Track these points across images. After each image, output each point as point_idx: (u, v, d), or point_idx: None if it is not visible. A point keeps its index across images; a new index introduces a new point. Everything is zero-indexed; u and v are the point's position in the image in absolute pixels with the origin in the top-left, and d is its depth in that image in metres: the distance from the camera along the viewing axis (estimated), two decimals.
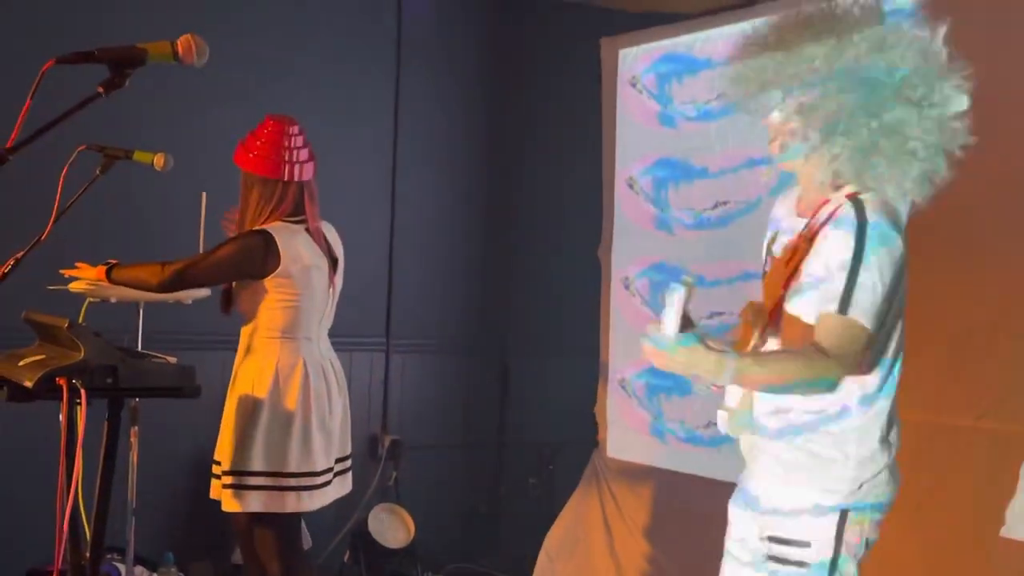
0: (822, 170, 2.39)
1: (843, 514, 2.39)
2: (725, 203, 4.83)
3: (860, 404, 2.41)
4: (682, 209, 5.06)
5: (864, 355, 2.33)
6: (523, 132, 6.08)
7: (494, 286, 6.01)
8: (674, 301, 2.23)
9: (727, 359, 2.22)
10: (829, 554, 2.38)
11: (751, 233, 4.51)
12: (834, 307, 2.29)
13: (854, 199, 2.35)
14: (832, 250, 2.33)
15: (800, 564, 2.40)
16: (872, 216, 2.31)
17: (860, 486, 2.40)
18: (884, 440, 2.44)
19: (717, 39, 4.95)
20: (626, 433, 5.27)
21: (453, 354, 5.89)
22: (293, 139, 3.57)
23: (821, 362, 2.28)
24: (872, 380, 2.41)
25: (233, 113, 4.08)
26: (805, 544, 2.40)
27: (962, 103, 2.35)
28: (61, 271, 3.59)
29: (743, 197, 4.68)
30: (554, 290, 5.91)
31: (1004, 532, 3.60)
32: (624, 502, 5.13)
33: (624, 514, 5.10)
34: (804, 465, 2.43)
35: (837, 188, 2.41)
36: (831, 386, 2.35)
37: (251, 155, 3.55)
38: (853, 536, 2.40)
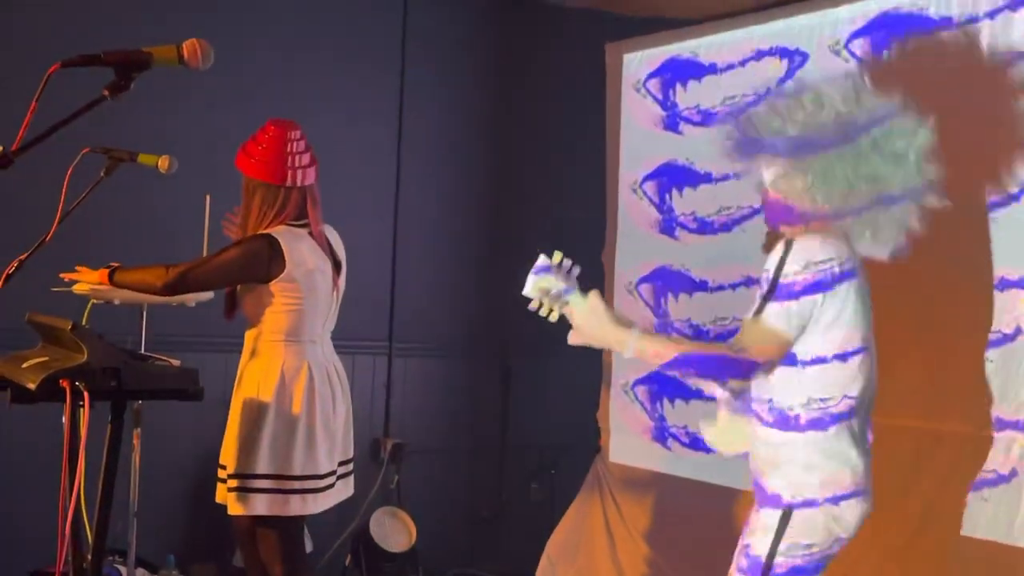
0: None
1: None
2: (728, 208, 4.83)
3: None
4: (685, 214, 5.06)
5: (769, 352, 2.64)
6: (527, 136, 6.08)
7: (497, 290, 6.00)
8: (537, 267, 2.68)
9: (631, 333, 2.64)
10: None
11: (754, 238, 4.55)
12: (751, 313, 2.65)
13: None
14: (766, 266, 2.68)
15: None
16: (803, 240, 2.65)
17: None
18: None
19: (721, 45, 4.97)
20: (628, 438, 5.27)
21: (456, 358, 5.89)
22: (295, 144, 3.57)
23: (723, 350, 2.68)
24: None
25: (237, 116, 4.08)
26: None
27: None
28: (61, 275, 3.59)
29: (746, 203, 4.68)
30: None
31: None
32: (626, 507, 5.13)
33: (626, 519, 5.09)
34: None
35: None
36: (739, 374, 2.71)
37: (253, 160, 3.55)
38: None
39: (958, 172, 3.82)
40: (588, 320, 2.68)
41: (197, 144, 4.53)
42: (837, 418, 2.64)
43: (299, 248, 3.53)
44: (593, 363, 5.45)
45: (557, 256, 2.69)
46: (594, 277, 5.45)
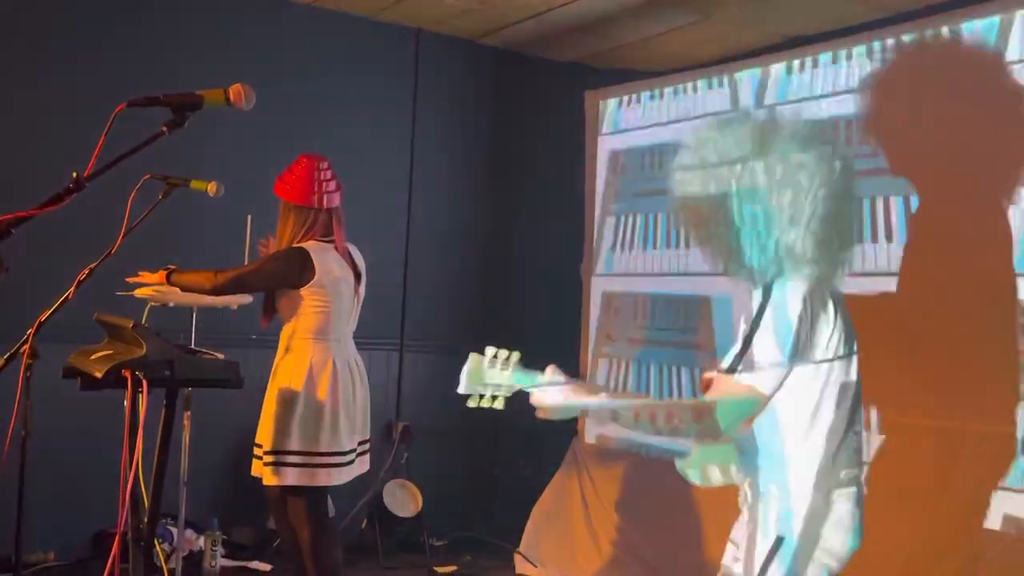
0: None
1: None
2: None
3: None
4: (650, 231, 5.07)
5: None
6: (520, 166, 6.08)
7: (493, 296, 6.00)
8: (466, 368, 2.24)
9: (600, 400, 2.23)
10: None
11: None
12: (725, 367, 2.20)
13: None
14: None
15: None
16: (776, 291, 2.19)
17: None
18: None
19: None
20: (600, 422, 5.27)
21: (457, 354, 5.80)
22: (323, 173, 3.60)
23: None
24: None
25: (274, 149, 4.08)
26: None
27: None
28: (127, 279, 3.59)
29: None
30: (544, 299, 5.91)
31: None
32: (598, 480, 5.13)
33: (598, 490, 5.09)
34: None
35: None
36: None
37: (288, 187, 3.59)
38: None
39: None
40: (554, 399, 2.24)
41: (240, 172, 4.51)
42: None
43: (326, 259, 3.55)
44: (572, 357, 5.45)
45: (490, 351, 2.27)
46: (576, 284, 5.48)
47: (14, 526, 3.48)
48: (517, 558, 5.02)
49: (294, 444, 3.47)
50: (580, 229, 5.52)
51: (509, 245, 6.05)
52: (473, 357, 2.27)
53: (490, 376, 2.24)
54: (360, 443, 3.68)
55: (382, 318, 5.57)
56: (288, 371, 3.54)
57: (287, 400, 3.50)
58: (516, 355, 2.25)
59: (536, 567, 4.90)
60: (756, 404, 2.18)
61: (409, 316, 5.77)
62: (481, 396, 2.25)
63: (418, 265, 5.81)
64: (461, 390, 2.27)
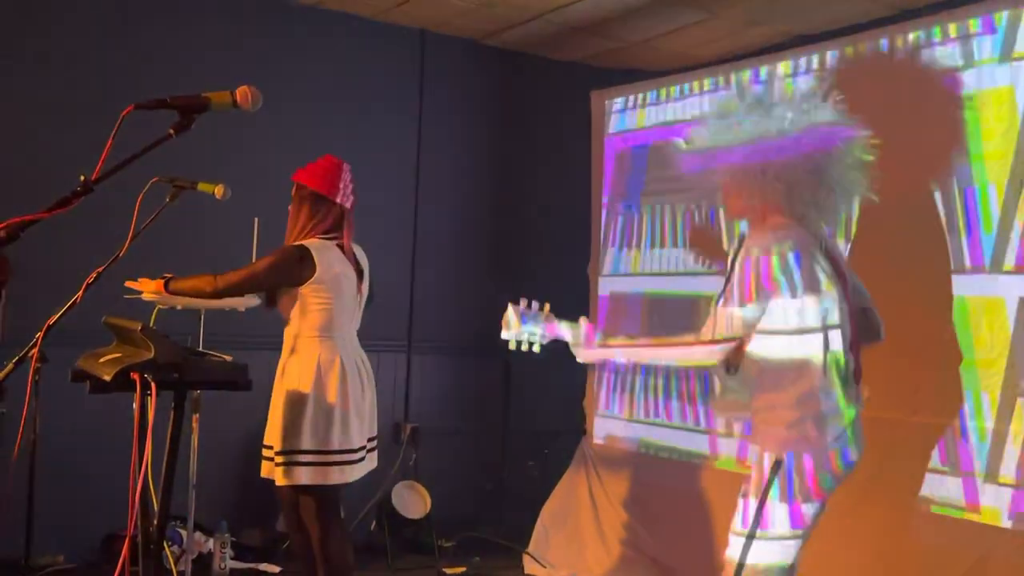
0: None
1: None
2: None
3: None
4: (656, 230, 5.06)
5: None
6: (525, 166, 6.08)
7: (499, 297, 5.99)
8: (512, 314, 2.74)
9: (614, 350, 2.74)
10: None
11: None
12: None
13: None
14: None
15: None
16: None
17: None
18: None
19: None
20: (607, 422, 5.27)
21: (464, 355, 5.87)
22: (346, 174, 3.66)
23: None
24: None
25: (281, 152, 4.09)
26: None
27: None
28: (126, 283, 3.59)
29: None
30: (551, 300, 5.90)
31: None
32: (607, 480, 5.12)
33: (607, 491, 5.08)
34: None
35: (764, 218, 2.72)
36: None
37: (310, 175, 3.62)
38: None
39: (910, 173, 3.75)
40: (585, 347, 2.73)
41: (247, 175, 4.52)
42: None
43: (327, 256, 3.55)
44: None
45: (523, 303, 2.74)
46: (582, 285, 5.48)
47: (24, 529, 3.49)
48: (526, 559, 5.01)
49: (306, 443, 3.47)
50: (586, 229, 5.51)
51: (515, 245, 6.04)
52: (511, 307, 2.73)
53: (526, 324, 2.71)
54: (369, 440, 3.68)
55: (390, 320, 5.57)
56: (296, 370, 3.54)
57: (297, 400, 3.50)
58: (547, 307, 2.74)
59: (545, 568, 4.90)
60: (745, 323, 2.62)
61: (417, 318, 5.77)
62: (519, 342, 2.73)
63: (425, 266, 5.81)
64: (503, 336, 2.75)
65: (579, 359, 2.76)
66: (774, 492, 2.56)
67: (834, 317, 2.62)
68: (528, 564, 4.98)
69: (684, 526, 4.58)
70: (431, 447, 5.59)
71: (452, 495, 5.56)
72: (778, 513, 2.57)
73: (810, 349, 2.58)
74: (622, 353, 2.77)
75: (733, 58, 5.16)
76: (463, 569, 5.02)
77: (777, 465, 2.57)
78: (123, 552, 2.60)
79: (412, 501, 5.32)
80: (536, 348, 2.74)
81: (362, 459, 3.61)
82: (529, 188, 6.07)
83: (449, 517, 5.42)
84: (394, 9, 5.38)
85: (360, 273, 3.71)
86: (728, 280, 2.65)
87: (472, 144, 6.00)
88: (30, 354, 2.89)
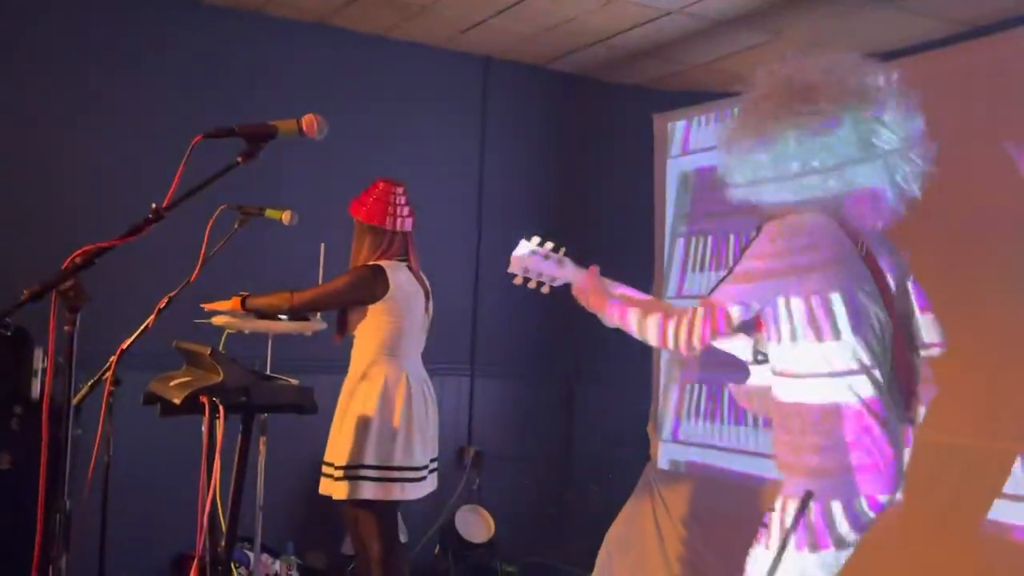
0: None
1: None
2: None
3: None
4: (721, 252, 5.01)
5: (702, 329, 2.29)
6: (587, 189, 6.06)
7: (562, 323, 5.97)
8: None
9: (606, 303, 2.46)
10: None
11: None
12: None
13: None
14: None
15: None
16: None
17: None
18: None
19: None
20: (672, 447, 5.21)
21: (528, 379, 5.85)
22: (398, 197, 3.70)
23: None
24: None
25: (347, 177, 4.12)
26: None
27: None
28: (202, 304, 3.65)
29: None
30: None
31: None
32: (672, 506, 5.05)
33: (672, 516, 5.01)
34: None
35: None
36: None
37: (364, 207, 3.68)
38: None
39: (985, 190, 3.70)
40: (583, 287, 2.55)
41: (314, 202, 4.58)
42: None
43: (399, 276, 3.63)
44: (644, 385, 5.40)
45: (535, 239, 2.60)
46: None
47: (98, 549, 3.55)
48: None
49: (370, 458, 3.51)
50: (650, 252, 5.47)
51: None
52: (523, 243, 2.58)
53: (538, 263, 2.56)
54: (431, 460, 3.70)
55: (453, 344, 5.58)
56: (363, 388, 3.59)
57: (363, 416, 3.55)
58: (563, 250, 2.57)
59: None
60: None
61: (480, 342, 5.77)
62: (527, 279, 2.58)
63: (488, 291, 5.81)
64: (510, 270, 2.59)
65: (579, 299, 2.58)
66: (793, 542, 2.27)
67: (871, 322, 2.28)
68: None
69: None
70: (494, 471, 5.58)
71: (515, 519, 5.53)
72: (796, 564, 2.28)
73: (839, 393, 2.26)
74: (614, 307, 2.48)
75: None
76: None
77: (800, 512, 2.26)
78: (192, 573, 2.63)
79: (476, 525, 5.30)
80: (545, 289, 2.63)
81: (424, 478, 3.63)
82: (592, 212, 6.05)
83: (512, 541, 5.39)
84: (458, 36, 5.44)
85: (427, 294, 3.76)
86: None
87: (535, 168, 6.01)
88: (104, 377, 2.97)
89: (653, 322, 2.37)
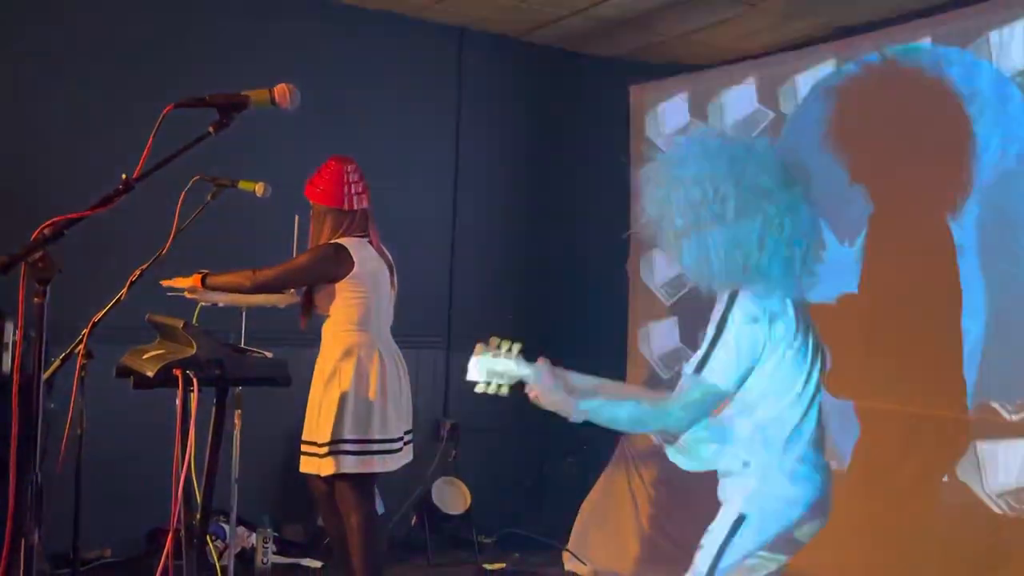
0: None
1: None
2: None
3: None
4: None
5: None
6: (564, 163, 6.05)
7: (537, 296, 5.99)
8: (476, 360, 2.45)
9: (573, 403, 2.44)
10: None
11: None
12: (692, 368, 2.40)
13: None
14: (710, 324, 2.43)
15: None
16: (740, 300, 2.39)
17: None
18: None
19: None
20: None
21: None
22: (351, 175, 3.69)
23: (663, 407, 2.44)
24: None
25: (321, 149, 4.09)
26: None
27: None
28: (161, 282, 3.63)
29: None
30: (588, 299, 5.88)
31: None
32: (647, 477, 5.10)
33: (647, 487, 5.06)
34: None
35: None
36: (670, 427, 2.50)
37: (319, 190, 3.68)
38: None
39: (920, 183, 3.90)
40: (541, 390, 2.46)
41: (287, 173, 4.55)
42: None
43: (363, 253, 3.64)
44: (619, 356, 5.42)
45: (494, 341, 2.50)
46: (619, 284, 5.45)
47: (72, 522, 3.54)
48: (566, 556, 5.00)
49: (348, 433, 3.54)
50: (626, 226, 5.47)
51: (555, 243, 6.02)
52: (479, 347, 2.49)
53: (493, 364, 2.46)
54: (406, 432, 3.74)
55: (429, 316, 5.58)
56: (337, 364, 3.59)
57: (338, 392, 3.56)
58: (518, 346, 2.48)
59: (585, 565, 4.88)
60: (718, 399, 2.41)
61: (455, 315, 5.77)
62: (487, 383, 2.48)
63: (464, 264, 5.81)
64: (469, 378, 2.49)
65: (537, 402, 2.48)
66: (731, 547, 2.44)
67: (813, 384, 2.46)
68: (568, 560, 4.97)
69: None
70: (471, 443, 5.60)
71: (492, 491, 5.56)
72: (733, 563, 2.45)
73: (789, 413, 2.42)
74: (582, 408, 2.47)
75: (776, 51, 5.10)
76: (503, 565, 5.03)
77: (739, 521, 2.45)
78: (166, 546, 2.63)
79: (452, 497, 5.33)
80: (504, 391, 2.50)
81: (400, 450, 3.68)
82: (568, 183, 6.05)
83: (489, 513, 5.42)
84: (433, 6, 5.39)
85: (391, 268, 3.77)
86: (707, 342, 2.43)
87: (510, 140, 5.99)
88: (76, 350, 2.95)
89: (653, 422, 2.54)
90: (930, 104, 4.00)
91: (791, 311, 2.42)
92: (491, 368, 2.46)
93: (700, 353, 2.41)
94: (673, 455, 2.67)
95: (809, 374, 2.44)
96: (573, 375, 2.54)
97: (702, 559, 2.49)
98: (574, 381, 2.53)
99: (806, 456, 2.44)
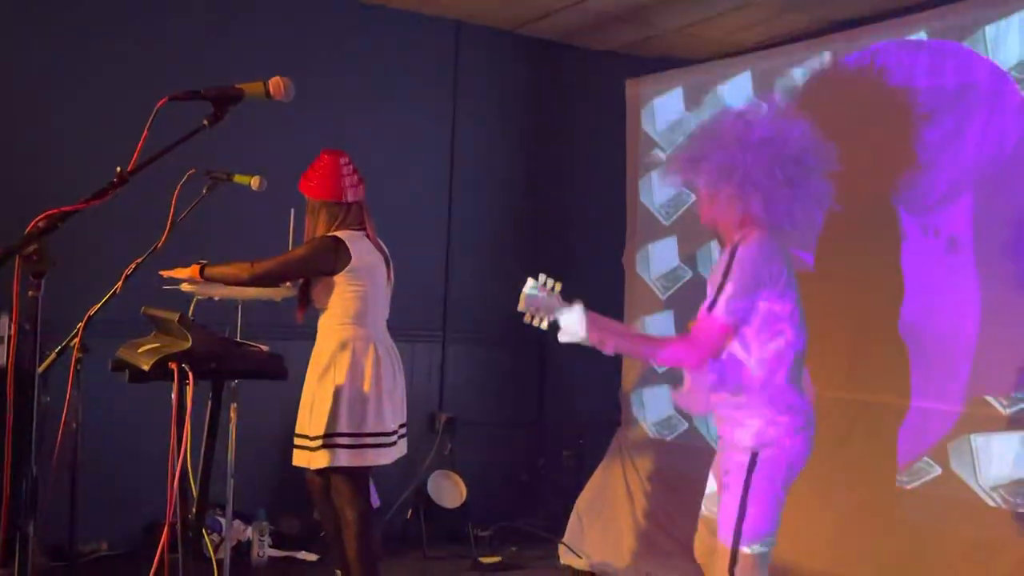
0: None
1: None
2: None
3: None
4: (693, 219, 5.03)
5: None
6: (560, 156, 6.05)
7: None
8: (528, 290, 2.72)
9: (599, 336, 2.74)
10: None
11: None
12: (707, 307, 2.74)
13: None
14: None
15: None
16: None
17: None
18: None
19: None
20: (643, 412, 5.25)
21: (499, 345, 5.87)
22: (345, 167, 3.68)
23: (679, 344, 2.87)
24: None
25: (316, 142, 4.09)
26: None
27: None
28: (160, 272, 3.62)
29: None
30: (585, 292, 5.87)
31: None
32: (642, 470, 5.11)
33: (642, 480, 5.07)
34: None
35: (740, 227, 2.82)
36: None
37: (313, 184, 3.67)
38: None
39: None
40: (571, 325, 2.74)
41: (283, 167, 4.55)
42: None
43: (359, 246, 3.63)
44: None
45: (541, 278, 2.74)
46: (617, 276, 5.45)
47: (68, 516, 3.55)
48: (561, 548, 5.00)
49: (343, 426, 3.54)
50: (623, 218, 5.48)
51: (551, 235, 6.02)
52: (529, 281, 2.74)
53: (536, 298, 2.73)
54: (400, 426, 3.74)
55: (425, 310, 5.58)
56: (332, 357, 3.59)
57: (333, 384, 3.55)
58: (559, 285, 2.75)
59: (581, 558, 4.89)
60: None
61: (451, 308, 5.77)
62: (532, 316, 2.75)
63: (461, 256, 5.81)
64: (520, 307, 2.76)
65: (566, 339, 2.78)
66: (753, 485, 2.71)
67: (800, 316, 2.79)
68: (563, 554, 4.98)
69: None
70: (466, 436, 5.60)
71: (488, 484, 5.56)
72: (760, 506, 2.72)
73: (784, 347, 2.74)
74: (612, 344, 2.79)
75: (771, 45, 5.10)
76: (499, 559, 5.03)
77: (753, 460, 2.72)
78: (162, 539, 2.63)
79: (448, 490, 5.34)
80: (544, 325, 2.77)
81: (394, 443, 3.68)
82: (565, 177, 6.05)
83: (485, 506, 5.43)
84: (429, 1, 5.38)
85: (387, 261, 3.77)
86: (715, 283, 2.77)
87: (507, 134, 5.99)
88: (72, 344, 2.94)
89: (669, 352, 2.91)
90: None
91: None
92: (532, 301, 2.72)
93: (712, 295, 2.75)
94: (678, 400, 3.07)
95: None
96: (608, 320, 2.86)
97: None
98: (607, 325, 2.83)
99: (796, 391, 2.78)
